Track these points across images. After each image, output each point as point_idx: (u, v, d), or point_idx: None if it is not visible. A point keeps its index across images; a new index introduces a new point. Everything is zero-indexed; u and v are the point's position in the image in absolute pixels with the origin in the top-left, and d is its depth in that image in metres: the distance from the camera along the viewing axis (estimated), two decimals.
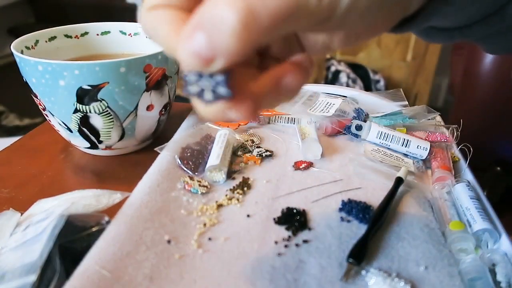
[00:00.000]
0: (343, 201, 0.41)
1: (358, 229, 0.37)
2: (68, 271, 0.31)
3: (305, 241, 0.36)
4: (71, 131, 0.49)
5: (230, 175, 0.45)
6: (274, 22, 0.16)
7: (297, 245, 0.35)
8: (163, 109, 0.52)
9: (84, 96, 0.44)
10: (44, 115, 0.50)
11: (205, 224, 0.37)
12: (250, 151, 0.49)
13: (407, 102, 0.61)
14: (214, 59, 0.17)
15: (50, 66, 0.42)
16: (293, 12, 0.17)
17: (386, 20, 0.21)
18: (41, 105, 0.48)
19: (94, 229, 0.35)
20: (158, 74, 0.48)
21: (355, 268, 0.33)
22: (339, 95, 0.62)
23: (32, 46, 0.52)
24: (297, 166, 0.47)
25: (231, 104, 0.19)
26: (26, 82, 0.47)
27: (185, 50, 0.17)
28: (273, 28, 0.16)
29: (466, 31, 0.25)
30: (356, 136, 0.52)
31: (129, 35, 0.58)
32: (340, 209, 0.40)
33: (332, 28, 0.20)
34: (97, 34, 0.58)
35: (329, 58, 2.04)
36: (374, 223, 0.37)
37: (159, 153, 0.47)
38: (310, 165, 0.47)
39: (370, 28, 0.21)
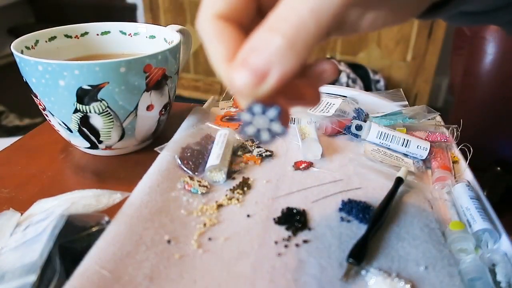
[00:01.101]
0: (343, 201, 0.41)
1: (358, 229, 0.37)
2: (68, 271, 0.31)
3: (305, 241, 0.36)
4: (71, 131, 0.49)
5: (230, 175, 0.45)
6: (326, 21, 0.17)
7: (297, 245, 0.35)
8: (163, 109, 0.52)
9: (84, 96, 0.44)
10: (44, 115, 0.50)
11: (205, 224, 0.37)
12: (250, 151, 0.49)
13: (407, 102, 0.61)
14: (268, 73, 0.18)
15: (50, 66, 0.42)
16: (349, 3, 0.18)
17: (418, 2, 0.22)
18: (41, 105, 0.48)
19: (94, 229, 0.35)
20: (158, 74, 0.48)
21: (355, 268, 0.33)
22: (339, 95, 0.62)
23: (32, 46, 0.52)
24: (297, 166, 0.47)
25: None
26: (26, 82, 0.47)
27: (240, 72, 0.18)
28: (324, 27, 0.18)
29: (492, 15, 0.25)
30: (356, 136, 0.52)
31: (129, 35, 0.58)
32: (340, 209, 0.40)
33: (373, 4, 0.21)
34: (97, 34, 0.58)
35: (329, 58, 2.04)
36: (374, 223, 0.37)
37: (159, 153, 0.47)
38: (310, 165, 0.47)
39: (403, 9, 0.22)
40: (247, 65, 0.18)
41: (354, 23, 0.22)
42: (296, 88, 0.21)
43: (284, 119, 0.20)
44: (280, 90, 0.19)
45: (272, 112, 0.20)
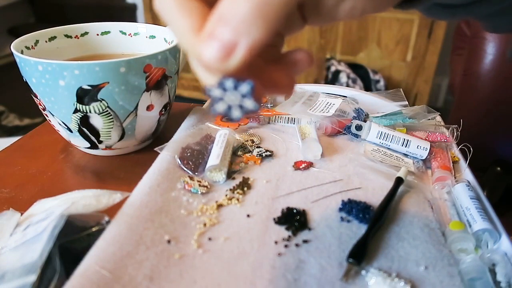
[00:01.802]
0: (343, 201, 0.41)
1: (358, 229, 0.37)
2: (68, 271, 0.31)
3: (305, 241, 0.36)
4: (71, 131, 0.49)
5: (230, 175, 0.45)
6: None
7: (297, 245, 0.35)
8: (163, 109, 0.52)
9: (84, 96, 0.44)
10: (44, 115, 0.50)
11: (205, 224, 0.37)
12: (250, 151, 0.49)
13: (407, 102, 0.62)
14: (236, 45, 0.17)
15: (50, 66, 0.42)
16: None
17: None
18: (41, 105, 0.48)
19: (94, 229, 0.35)
20: (158, 74, 0.48)
21: (355, 268, 0.33)
22: (339, 95, 0.62)
23: (32, 46, 0.52)
24: (297, 166, 0.47)
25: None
26: (26, 82, 0.47)
27: (209, 45, 0.17)
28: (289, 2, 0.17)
29: (469, 8, 0.25)
30: (356, 136, 0.52)
31: (129, 35, 0.58)
32: (340, 209, 0.40)
33: None
34: (97, 34, 0.58)
35: (329, 58, 2.04)
36: (374, 223, 0.37)
37: (159, 153, 0.47)
38: (310, 165, 0.47)
39: None
40: (214, 37, 0.17)
41: (331, 10, 0.22)
42: (270, 74, 0.21)
43: (257, 95, 0.19)
44: (253, 66, 0.18)
45: (245, 87, 0.18)
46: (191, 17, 0.18)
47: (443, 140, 0.52)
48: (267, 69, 0.20)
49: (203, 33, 0.18)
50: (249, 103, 0.18)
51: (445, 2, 0.25)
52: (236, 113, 0.19)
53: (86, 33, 0.57)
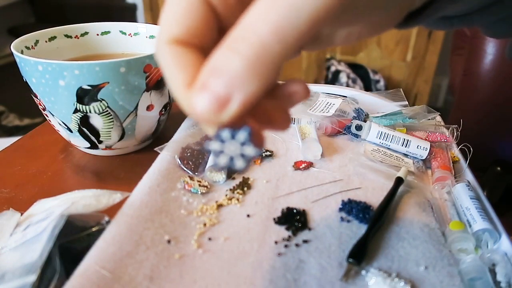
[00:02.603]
0: (343, 201, 0.41)
1: (358, 229, 0.37)
2: (68, 271, 0.31)
3: (305, 241, 0.36)
4: (71, 131, 0.49)
5: (230, 175, 0.45)
6: (303, 32, 0.16)
7: (297, 245, 0.35)
8: (163, 109, 0.52)
9: (84, 96, 0.44)
10: (44, 115, 0.50)
11: (205, 224, 0.37)
12: None
13: (407, 102, 0.62)
14: (230, 98, 0.16)
15: (50, 66, 0.42)
16: (332, 11, 0.16)
17: (394, 13, 0.21)
18: (41, 105, 0.48)
19: (94, 229, 0.35)
20: (158, 74, 0.48)
21: (355, 268, 0.33)
22: (339, 95, 0.62)
23: (32, 46, 0.52)
24: (297, 166, 0.47)
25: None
26: (26, 82, 0.47)
27: (201, 96, 0.16)
28: (300, 38, 0.16)
29: (466, 19, 0.25)
30: (356, 136, 0.52)
31: (129, 35, 0.58)
32: (340, 209, 0.40)
33: (347, 20, 0.19)
34: (97, 34, 0.58)
35: (329, 58, 2.04)
36: (374, 223, 0.37)
37: (159, 153, 0.47)
38: (310, 165, 0.47)
39: (377, 23, 0.21)
40: (207, 89, 0.16)
41: (327, 38, 0.21)
42: (264, 110, 0.19)
43: (256, 139, 0.18)
44: (247, 113, 0.18)
45: (242, 135, 0.18)
46: (186, 71, 0.18)
47: (443, 140, 0.52)
48: (261, 104, 0.19)
49: (195, 84, 0.17)
50: (250, 150, 0.18)
51: (448, 14, 0.25)
52: (239, 163, 0.18)
53: (86, 33, 0.57)
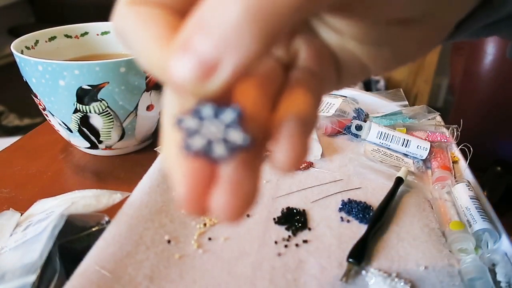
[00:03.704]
0: (343, 201, 0.41)
1: (358, 229, 0.37)
2: (68, 271, 0.31)
3: (305, 241, 0.36)
4: (71, 131, 0.49)
5: None
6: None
7: (297, 245, 0.35)
8: None
9: (84, 96, 0.44)
10: (44, 115, 0.50)
11: (205, 224, 0.37)
12: None
13: (407, 102, 0.62)
14: (220, 61, 0.12)
15: (50, 66, 0.42)
16: None
17: (446, 23, 0.17)
18: (41, 105, 0.48)
19: (94, 229, 0.35)
20: None
21: (355, 268, 0.33)
22: (339, 95, 0.62)
23: (32, 46, 0.52)
24: None
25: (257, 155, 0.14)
26: (26, 82, 0.47)
27: (181, 59, 0.12)
28: (296, 9, 0.12)
29: (493, 27, 0.22)
30: (356, 136, 0.52)
31: None
32: (340, 209, 0.40)
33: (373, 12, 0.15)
34: (97, 34, 0.58)
35: None
36: (374, 223, 0.37)
37: (159, 153, 0.47)
38: (310, 165, 0.47)
39: (428, 37, 0.17)
40: (189, 49, 0.12)
41: (366, 64, 0.17)
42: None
43: (248, 123, 0.13)
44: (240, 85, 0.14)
45: (229, 114, 0.13)
46: (157, 26, 0.14)
47: (443, 140, 0.52)
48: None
49: (174, 44, 0.13)
50: (236, 136, 0.13)
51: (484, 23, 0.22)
52: (218, 150, 0.13)
53: (86, 33, 0.57)
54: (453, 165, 0.47)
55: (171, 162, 0.15)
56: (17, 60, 0.45)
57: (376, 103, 0.62)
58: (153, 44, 0.14)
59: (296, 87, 0.16)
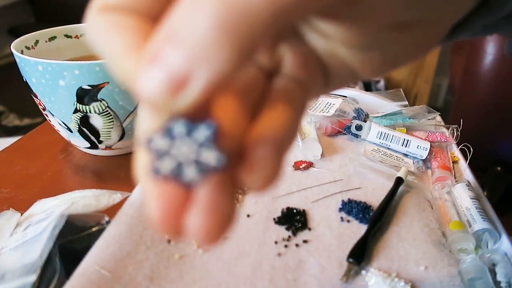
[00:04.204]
0: (343, 201, 0.41)
1: (358, 229, 0.37)
2: (68, 271, 0.31)
3: (305, 241, 0.36)
4: (71, 131, 0.49)
5: None
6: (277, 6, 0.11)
7: (297, 245, 0.35)
8: None
9: (84, 96, 0.44)
10: (44, 115, 0.50)
11: None
12: None
13: (407, 102, 0.62)
14: (191, 76, 0.11)
15: (50, 66, 0.42)
16: None
17: (443, 21, 0.16)
18: (41, 105, 0.48)
19: (94, 229, 0.35)
20: None
21: (355, 268, 0.33)
22: (339, 95, 0.62)
23: (32, 46, 0.52)
24: (297, 166, 0.47)
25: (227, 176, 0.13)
26: (26, 82, 0.47)
27: (151, 72, 0.11)
28: (275, 16, 0.11)
29: (491, 26, 0.23)
30: (356, 136, 0.52)
31: None
32: (340, 209, 0.40)
33: (358, 16, 0.14)
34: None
35: None
36: (374, 223, 0.37)
37: None
38: (310, 165, 0.47)
39: (423, 37, 0.16)
40: (159, 61, 0.11)
41: (355, 69, 0.16)
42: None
43: (224, 140, 0.12)
44: (215, 99, 0.13)
45: (203, 132, 0.12)
46: (127, 35, 0.13)
47: (443, 140, 0.52)
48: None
49: (143, 54, 0.12)
50: (210, 156, 0.12)
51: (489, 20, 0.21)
52: (189, 174, 0.12)
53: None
54: (453, 165, 0.47)
55: (143, 183, 0.14)
56: (17, 60, 0.45)
57: (376, 103, 0.62)
58: (123, 54, 0.13)
59: (277, 101, 0.15)
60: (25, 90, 0.48)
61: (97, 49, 0.14)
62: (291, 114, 0.15)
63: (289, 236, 0.36)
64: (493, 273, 0.33)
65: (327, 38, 0.15)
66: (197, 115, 0.12)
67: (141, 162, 0.14)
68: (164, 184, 0.13)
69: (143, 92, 0.12)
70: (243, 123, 0.14)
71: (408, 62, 0.17)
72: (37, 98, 0.47)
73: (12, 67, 0.51)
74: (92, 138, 0.49)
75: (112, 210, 0.36)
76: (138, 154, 0.14)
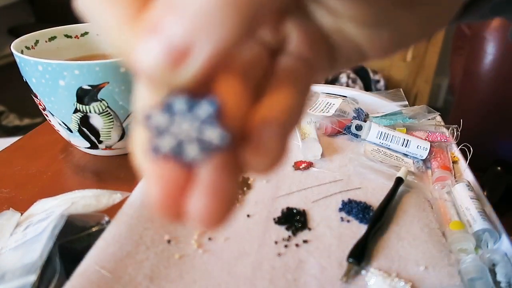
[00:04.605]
0: (343, 201, 0.41)
1: (358, 229, 0.37)
2: (68, 271, 0.31)
3: (305, 241, 0.36)
4: (71, 131, 0.49)
5: None
6: None
7: (297, 245, 0.35)
8: None
9: (84, 96, 0.44)
10: (44, 115, 0.50)
11: None
12: None
13: (407, 102, 0.62)
14: (193, 47, 0.11)
15: (50, 66, 0.42)
16: None
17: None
18: (41, 105, 0.48)
19: (94, 229, 0.35)
20: None
21: (355, 268, 0.33)
22: (339, 95, 0.62)
23: (32, 46, 0.52)
24: (297, 166, 0.47)
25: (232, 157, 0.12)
26: (26, 82, 0.47)
27: (149, 43, 0.11)
28: None
29: (498, 9, 0.21)
30: (356, 136, 0.52)
31: None
32: (340, 209, 0.40)
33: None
34: (97, 34, 0.58)
35: None
36: (374, 223, 0.37)
37: None
38: (310, 165, 0.47)
39: (433, 13, 0.15)
40: (159, 32, 0.11)
41: (361, 47, 0.16)
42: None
43: (226, 118, 0.12)
44: (216, 73, 0.12)
45: (205, 108, 0.11)
46: (122, 3, 0.12)
47: (443, 140, 0.52)
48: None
49: (141, 25, 0.11)
50: (212, 134, 0.11)
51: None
52: (191, 152, 0.11)
53: (86, 33, 0.57)
54: (453, 165, 0.47)
55: (141, 163, 0.13)
56: (17, 60, 0.45)
57: (376, 103, 0.62)
58: (119, 25, 0.12)
59: (281, 81, 0.14)
60: (25, 90, 0.48)
61: (90, 20, 0.13)
62: (297, 95, 0.14)
63: (289, 236, 0.36)
64: (493, 273, 0.33)
65: (334, 15, 0.15)
66: (198, 91, 0.11)
67: (139, 140, 0.13)
68: (164, 164, 0.12)
69: (140, 65, 0.11)
70: (246, 101, 0.13)
71: (417, 40, 0.16)
72: (37, 98, 0.47)
73: (12, 67, 0.51)
74: (92, 138, 0.49)
75: (112, 210, 0.36)
76: (136, 132, 0.13)
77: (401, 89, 0.65)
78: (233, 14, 0.10)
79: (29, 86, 0.47)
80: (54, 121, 0.49)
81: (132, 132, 0.14)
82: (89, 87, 0.44)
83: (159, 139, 0.11)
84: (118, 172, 0.50)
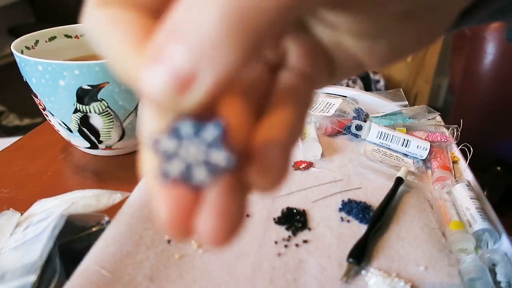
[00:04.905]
0: (343, 201, 0.41)
1: (358, 229, 0.37)
2: (68, 271, 0.31)
3: (305, 241, 0.36)
4: (71, 131, 0.49)
5: None
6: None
7: (297, 245, 0.35)
8: None
9: (84, 96, 0.44)
10: (44, 115, 0.50)
11: None
12: None
13: (407, 102, 0.62)
14: (198, 74, 0.11)
15: (50, 66, 0.42)
16: None
17: (447, 12, 0.16)
18: (41, 105, 0.48)
19: (94, 229, 0.35)
20: None
21: (355, 268, 0.33)
22: (339, 95, 0.62)
23: (32, 46, 0.52)
24: (297, 166, 0.47)
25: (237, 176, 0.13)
26: (26, 82, 0.47)
27: (154, 70, 0.11)
28: (280, 13, 0.10)
29: (498, 13, 0.23)
30: (356, 136, 0.52)
31: None
32: (340, 209, 0.40)
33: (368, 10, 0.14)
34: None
35: None
36: (374, 223, 0.37)
37: None
38: (310, 165, 0.47)
39: (430, 25, 0.16)
40: (163, 59, 0.11)
41: (360, 58, 0.16)
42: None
43: (232, 140, 0.12)
44: (221, 98, 0.12)
45: (211, 131, 0.12)
46: (128, 30, 0.12)
47: (443, 140, 0.52)
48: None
49: (146, 51, 0.11)
50: (219, 157, 0.12)
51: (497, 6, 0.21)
52: (199, 175, 0.12)
53: None
54: (453, 165, 0.47)
55: (150, 186, 0.13)
56: (17, 60, 0.45)
57: (376, 103, 0.62)
58: (124, 51, 0.12)
59: (283, 98, 0.14)
60: (25, 90, 0.48)
61: (96, 46, 0.13)
62: (298, 111, 0.14)
63: (289, 236, 0.36)
64: (493, 273, 0.33)
65: (333, 28, 0.15)
66: (203, 114, 0.12)
67: (148, 165, 0.13)
68: (174, 188, 0.12)
69: (147, 92, 0.11)
70: (250, 122, 0.13)
71: (415, 51, 0.17)
72: (37, 98, 0.47)
73: (12, 67, 0.51)
74: (92, 138, 0.49)
75: (112, 210, 0.36)
76: (144, 156, 0.14)
77: (401, 89, 0.65)
78: (237, 41, 0.10)
79: (29, 86, 0.47)
80: (54, 121, 0.49)
81: (140, 156, 0.14)
82: (89, 87, 0.44)
83: (168, 164, 0.12)
84: (118, 172, 0.50)
